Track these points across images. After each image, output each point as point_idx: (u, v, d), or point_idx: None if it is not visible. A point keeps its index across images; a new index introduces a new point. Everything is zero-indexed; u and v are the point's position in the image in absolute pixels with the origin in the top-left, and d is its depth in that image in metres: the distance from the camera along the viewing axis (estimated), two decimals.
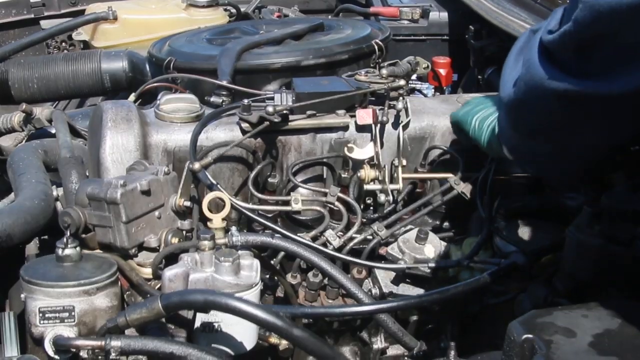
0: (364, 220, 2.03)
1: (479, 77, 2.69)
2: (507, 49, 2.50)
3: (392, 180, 2.07)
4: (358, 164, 2.06)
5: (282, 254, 1.94)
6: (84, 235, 1.70)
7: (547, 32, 1.34)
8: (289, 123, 2.03)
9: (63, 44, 3.36)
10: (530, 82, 1.37)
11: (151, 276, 1.69)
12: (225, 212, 1.66)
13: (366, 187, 2.05)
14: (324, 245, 1.91)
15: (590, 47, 1.24)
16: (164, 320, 1.50)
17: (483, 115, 1.91)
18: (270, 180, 2.07)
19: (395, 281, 1.94)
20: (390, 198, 2.05)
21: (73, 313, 1.49)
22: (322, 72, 2.30)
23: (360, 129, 2.09)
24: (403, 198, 2.12)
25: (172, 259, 1.64)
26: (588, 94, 1.28)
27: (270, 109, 1.95)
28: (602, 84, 1.26)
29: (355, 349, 2.07)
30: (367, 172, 2.04)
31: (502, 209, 1.93)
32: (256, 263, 1.58)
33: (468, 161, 2.10)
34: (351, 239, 1.96)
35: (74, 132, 2.31)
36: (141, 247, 1.73)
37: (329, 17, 3.32)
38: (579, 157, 1.56)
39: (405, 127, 2.11)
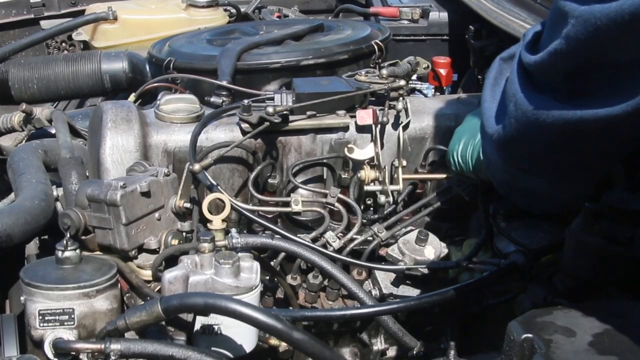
0: (364, 221, 2.03)
1: (479, 77, 2.69)
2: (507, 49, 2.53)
3: (393, 181, 2.07)
4: (358, 165, 2.05)
5: (282, 255, 1.93)
6: (83, 237, 1.70)
7: (527, 53, 1.23)
8: (289, 123, 2.03)
9: (63, 44, 3.36)
10: (523, 118, 1.25)
11: (151, 278, 1.69)
12: (225, 213, 1.66)
13: (366, 188, 2.04)
14: (324, 246, 1.91)
15: (586, 67, 1.13)
16: (163, 323, 1.50)
17: (466, 141, 1.84)
18: (270, 181, 2.06)
19: (396, 283, 1.94)
20: (391, 199, 2.05)
21: (73, 316, 1.49)
22: (321, 72, 2.30)
23: (361, 129, 2.09)
24: (403, 199, 2.12)
25: (172, 261, 1.65)
26: (589, 120, 1.15)
27: (270, 109, 1.95)
28: (601, 107, 1.13)
29: (356, 350, 2.07)
30: (367, 173, 2.03)
31: (502, 209, 1.93)
32: (256, 265, 1.58)
33: None
34: (351, 240, 1.96)
35: (74, 132, 2.31)
36: (141, 249, 1.73)
37: (329, 17, 3.32)
38: (576, 188, 1.46)
39: (406, 127, 2.10)
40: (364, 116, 2.05)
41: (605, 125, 1.14)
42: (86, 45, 3.18)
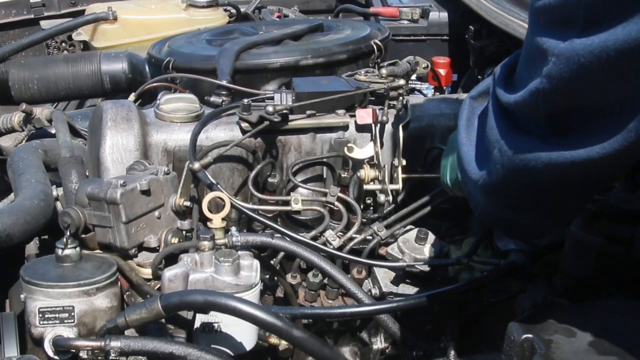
0: (364, 220, 2.03)
1: (479, 77, 2.69)
2: (507, 49, 2.53)
3: (392, 180, 2.07)
4: (358, 164, 2.06)
5: (281, 254, 1.94)
6: (83, 236, 1.70)
7: (504, 91, 1.17)
8: (289, 123, 2.03)
9: (63, 44, 3.36)
10: (510, 164, 1.17)
11: (151, 276, 1.69)
12: (225, 212, 1.66)
13: (366, 187, 2.04)
14: (324, 245, 1.91)
15: (571, 107, 1.06)
16: (163, 320, 1.50)
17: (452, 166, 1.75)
18: (270, 180, 2.07)
19: (395, 281, 1.94)
20: (390, 198, 2.04)
21: (73, 313, 1.49)
22: (321, 72, 2.30)
23: (360, 128, 2.09)
24: (403, 198, 2.12)
25: (171, 259, 1.65)
26: (580, 162, 1.08)
27: (270, 108, 1.95)
28: (591, 146, 1.06)
29: (355, 349, 2.07)
30: (367, 172, 2.03)
31: None
32: (256, 263, 1.58)
33: None
34: (351, 239, 1.96)
35: (74, 132, 2.31)
36: (141, 248, 1.73)
37: (329, 17, 3.32)
38: (561, 220, 1.41)
39: (405, 127, 2.10)
40: (364, 115, 2.06)
41: (598, 163, 1.07)
42: (86, 46, 3.18)
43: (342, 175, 2.07)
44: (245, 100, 2.01)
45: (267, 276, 1.90)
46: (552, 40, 1.02)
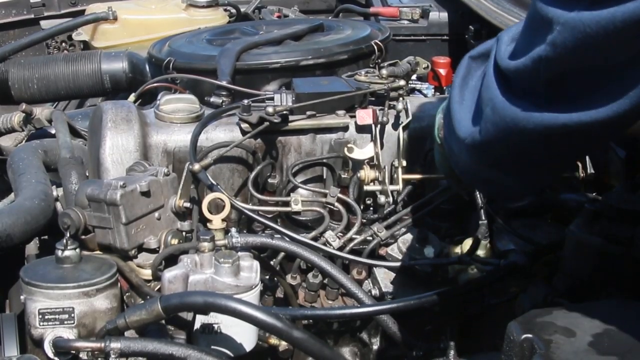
0: (364, 221, 2.03)
1: None
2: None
3: (392, 180, 2.07)
4: (358, 165, 2.06)
5: (281, 254, 1.94)
6: (83, 237, 1.70)
7: (505, 57, 1.18)
8: (289, 123, 2.03)
9: (63, 44, 3.36)
10: (501, 123, 1.20)
11: (151, 277, 1.69)
12: (225, 213, 1.66)
13: (366, 187, 2.04)
14: (324, 246, 1.91)
15: (570, 73, 1.09)
16: (163, 321, 1.50)
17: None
18: (270, 180, 2.07)
19: (395, 282, 1.94)
20: (390, 199, 2.05)
21: (73, 315, 1.49)
22: (321, 72, 2.30)
23: (360, 129, 2.09)
24: (403, 199, 2.12)
25: (171, 260, 1.65)
26: (572, 125, 1.11)
27: (270, 109, 1.95)
28: (584, 111, 1.09)
29: (355, 349, 2.07)
30: (367, 173, 2.04)
31: (502, 208, 1.93)
32: (256, 264, 1.58)
33: None
34: (351, 239, 1.96)
35: (74, 132, 2.31)
36: (141, 249, 1.73)
37: (329, 17, 3.31)
38: (543, 181, 1.47)
39: (406, 127, 2.10)
40: (364, 116, 2.06)
41: (588, 129, 1.11)
42: (86, 45, 3.18)
43: (342, 176, 2.07)
44: (246, 101, 2.01)
45: (267, 277, 1.90)
46: (557, 9, 1.03)
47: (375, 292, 1.95)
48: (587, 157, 1.97)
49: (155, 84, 2.34)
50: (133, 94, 2.39)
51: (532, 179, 1.36)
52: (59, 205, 1.99)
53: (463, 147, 1.33)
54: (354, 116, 2.07)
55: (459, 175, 1.51)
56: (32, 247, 2.07)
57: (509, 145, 1.23)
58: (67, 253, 1.57)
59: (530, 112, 1.14)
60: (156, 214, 1.74)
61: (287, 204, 1.98)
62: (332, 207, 2.01)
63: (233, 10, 3.36)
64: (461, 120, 1.33)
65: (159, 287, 1.63)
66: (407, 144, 2.12)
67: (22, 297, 1.52)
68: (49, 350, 1.46)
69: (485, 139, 1.26)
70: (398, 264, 1.89)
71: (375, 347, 2.01)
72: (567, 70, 1.08)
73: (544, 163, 1.27)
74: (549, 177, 1.44)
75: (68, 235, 1.61)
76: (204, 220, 1.71)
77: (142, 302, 1.58)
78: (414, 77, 2.63)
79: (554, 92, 1.11)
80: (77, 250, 1.58)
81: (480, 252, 1.89)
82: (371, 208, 2.11)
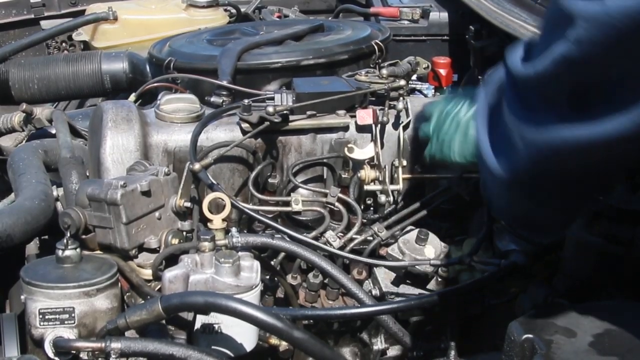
0: (364, 220, 2.03)
1: (479, 77, 2.69)
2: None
3: (393, 180, 2.07)
4: (358, 165, 2.06)
5: (282, 254, 1.94)
6: (84, 236, 1.70)
7: (521, 67, 1.10)
8: (289, 123, 2.03)
9: (63, 44, 3.35)
10: (534, 150, 1.11)
11: (151, 277, 1.69)
12: (225, 212, 1.66)
13: (366, 187, 2.04)
14: (325, 246, 1.91)
15: (599, 76, 0.98)
16: (164, 321, 1.50)
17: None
18: (270, 180, 2.07)
19: (396, 282, 1.94)
20: (391, 199, 2.05)
21: (73, 314, 1.49)
22: (321, 72, 2.30)
23: (361, 129, 2.09)
24: (403, 199, 2.12)
25: (172, 260, 1.64)
26: (605, 137, 1.00)
27: (270, 109, 1.95)
28: (617, 120, 0.98)
29: (356, 350, 2.07)
30: (367, 173, 2.04)
31: None
32: (256, 264, 1.58)
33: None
34: (351, 239, 1.96)
35: (74, 132, 2.31)
36: (141, 248, 1.73)
37: (329, 17, 3.32)
38: (581, 210, 1.39)
39: (406, 127, 2.10)
40: (364, 116, 2.06)
41: (624, 139, 1.00)
42: (86, 46, 3.18)
43: (343, 176, 2.07)
44: (246, 101, 2.01)
45: (268, 277, 1.90)
46: (580, 1, 0.95)
47: (375, 292, 1.94)
48: None
49: (155, 84, 2.34)
50: (133, 94, 2.39)
51: (574, 208, 1.29)
52: (59, 205, 1.99)
53: (503, 187, 1.26)
54: (354, 116, 2.07)
55: (496, 215, 1.46)
56: (32, 247, 2.07)
57: (547, 173, 1.16)
58: (67, 253, 1.57)
59: (560, 129, 1.05)
60: (157, 214, 1.74)
61: (287, 203, 1.98)
62: (332, 207, 2.01)
63: (233, 11, 3.36)
64: (491, 157, 1.25)
65: (159, 287, 1.63)
66: (408, 143, 2.12)
67: (22, 297, 1.52)
68: (49, 350, 1.46)
69: (521, 171, 1.18)
70: (398, 263, 1.89)
71: (375, 347, 2.00)
72: (597, 73, 0.98)
73: (584, 187, 1.19)
74: (589, 200, 1.36)
75: (68, 235, 1.61)
76: (204, 220, 1.70)
77: (143, 302, 1.58)
78: (414, 77, 2.63)
79: (578, 101, 1.02)
80: (78, 250, 1.58)
81: (481, 253, 1.89)
82: (371, 208, 2.11)
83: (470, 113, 1.69)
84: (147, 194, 1.71)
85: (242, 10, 3.38)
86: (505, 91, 1.17)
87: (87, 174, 2.03)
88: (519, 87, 1.11)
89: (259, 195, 2.01)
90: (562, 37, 0.98)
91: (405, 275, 1.93)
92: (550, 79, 1.03)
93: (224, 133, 2.03)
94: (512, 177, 1.21)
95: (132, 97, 2.37)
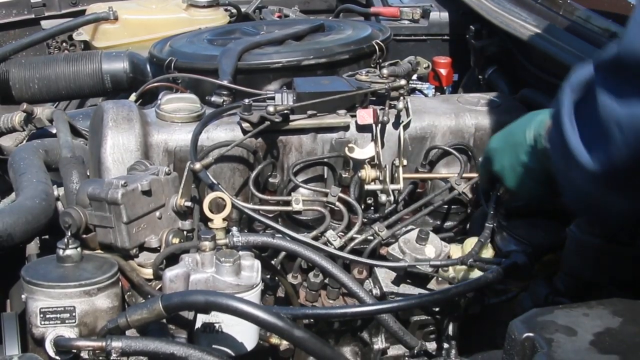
0: (365, 220, 2.04)
1: (480, 77, 2.69)
2: (508, 49, 2.53)
3: (393, 180, 2.07)
4: (359, 164, 2.06)
5: (282, 254, 1.94)
6: (84, 236, 1.70)
7: (623, 43, 1.09)
8: (290, 123, 2.03)
9: (64, 44, 3.36)
10: (635, 140, 1.10)
11: (152, 277, 1.69)
12: (226, 212, 1.66)
13: (367, 187, 2.05)
14: (325, 245, 1.91)
15: None
16: (164, 320, 1.50)
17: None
18: (271, 180, 2.07)
19: (396, 281, 1.94)
20: (391, 198, 2.05)
21: (74, 314, 1.49)
22: (322, 72, 2.30)
23: (361, 128, 2.09)
24: (404, 198, 2.12)
25: (173, 259, 1.64)
26: None
27: (271, 108, 1.96)
28: None
29: (356, 349, 2.07)
30: (367, 172, 2.04)
31: (503, 208, 1.93)
32: (257, 263, 1.58)
33: (469, 161, 2.12)
34: (352, 239, 1.96)
35: (75, 132, 2.31)
36: (142, 248, 1.73)
37: (330, 17, 3.32)
38: None
39: (406, 127, 2.11)
40: (365, 116, 2.06)
41: None
42: (87, 45, 3.18)
43: (343, 176, 2.07)
44: (246, 101, 2.01)
45: (268, 276, 1.90)
46: None
47: (376, 291, 1.95)
48: None
49: (156, 84, 2.34)
50: (134, 94, 2.39)
51: None
52: (60, 204, 1.99)
53: (590, 177, 1.24)
54: (355, 116, 2.07)
55: (570, 204, 1.42)
56: (33, 247, 2.08)
57: None
58: (68, 252, 1.57)
59: None
60: (157, 213, 1.74)
61: (288, 203, 1.98)
62: (333, 206, 2.01)
63: (234, 11, 3.36)
64: (583, 152, 1.23)
65: (160, 286, 1.63)
66: (408, 143, 2.12)
67: (23, 296, 1.52)
68: (50, 349, 1.46)
69: (619, 162, 1.16)
70: (398, 264, 1.89)
71: (376, 346, 2.01)
72: None
73: None
74: None
75: (69, 234, 1.61)
76: (205, 220, 1.71)
77: (143, 301, 1.59)
78: (414, 77, 2.64)
79: None
80: (78, 249, 1.58)
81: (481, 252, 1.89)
82: (372, 207, 2.11)
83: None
84: (147, 193, 1.71)
85: (243, 10, 3.38)
86: (598, 82, 1.16)
87: (88, 174, 2.03)
88: (614, 78, 1.11)
89: (260, 195, 2.01)
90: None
91: (405, 274, 1.93)
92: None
93: (224, 133, 2.03)
94: (606, 169, 1.20)
95: (133, 96, 2.37)
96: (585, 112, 1.25)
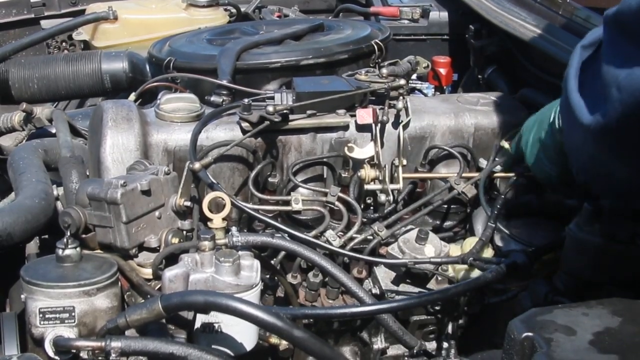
0: (365, 220, 2.04)
1: (479, 76, 2.69)
2: (507, 48, 2.53)
3: (393, 180, 2.07)
4: (358, 164, 2.06)
5: (282, 253, 1.94)
6: (84, 236, 1.70)
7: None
8: (289, 122, 2.03)
9: (63, 43, 3.36)
10: (630, 99, 1.13)
11: (151, 277, 1.69)
12: (225, 212, 1.65)
13: (366, 186, 2.04)
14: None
15: None
16: (164, 320, 1.50)
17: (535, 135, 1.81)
18: (270, 180, 2.07)
19: (396, 281, 1.94)
20: (391, 198, 2.05)
21: (73, 314, 1.49)
22: (321, 71, 2.30)
23: (361, 128, 2.09)
24: (403, 198, 2.12)
25: (172, 259, 1.64)
26: None
27: (270, 108, 1.95)
28: None
29: (356, 349, 2.07)
30: (367, 172, 2.04)
31: (503, 207, 1.93)
32: (256, 263, 1.58)
33: (468, 161, 2.12)
34: (351, 239, 1.96)
35: (75, 132, 2.31)
36: (141, 248, 1.72)
37: (329, 17, 3.32)
38: None
39: (406, 126, 2.11)
40: (364, 115, 2.06)
41: None
42: (86, 45, 3.18)
43: (343, 175, 2.07)
44: (246, 100, 2.01)
45: (268, 276, 1.90)
46: None
47: (375, 291, 1.95)
48: None
49: (155, 84, 2.34)
50: (133, 93, 2.39)
51: None
52: (59, 204, 1.99)
53: (589, 136, 1.28)
54: (354, 115, 2.07)
55: (577, 173, 1.47)
56: (32, 246, 2.08)
57: (638, 120, 1.16)
58: (67, 252, 1.57)
59: None
60: (157, 213, 1.74)
61: (287, 203, 1.98)
62: (332, 206, 2.01)
63: (233, 10, 3.36)
64: (583, 108, 1.28)
65: (159, 286, 1.63)
66: (407, 143, 2.12)
67: (22, 296, 1.52)
68: (49, 349, 1.46)
69: (613, 120, 1.20)
70: (398, 261, 1.89)
71: (375, 346, 2.01)
72: None
73: None
74: None
75: (68, 234, 1.61)
76: (204, 219, 1.70)
77: (143, 301, 1.59)
78: (414, 76, 2.63)
79: None
80: (78, 249, 1.58)
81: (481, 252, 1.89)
82: (371, 207, 2.11)
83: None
84: (147, 193, 1.71)
85: (242, 9, 3.38)
86: (604, 49, 1.18)
87: (87, 173, 2.03)
88: (619, 39, 1.13)
89: (259, 195, 2.01)
90: None
91: (405, 274, 1.93)
92: None
93: (224, 132, 2.03)
94: (602, 126, 1.23)
95: (132, 96, 2.37)
96: (590, 70, 1.29)
